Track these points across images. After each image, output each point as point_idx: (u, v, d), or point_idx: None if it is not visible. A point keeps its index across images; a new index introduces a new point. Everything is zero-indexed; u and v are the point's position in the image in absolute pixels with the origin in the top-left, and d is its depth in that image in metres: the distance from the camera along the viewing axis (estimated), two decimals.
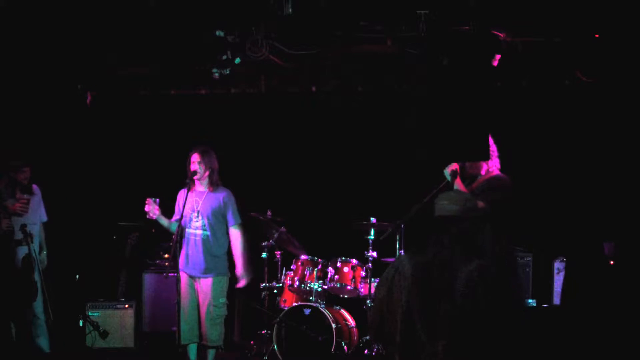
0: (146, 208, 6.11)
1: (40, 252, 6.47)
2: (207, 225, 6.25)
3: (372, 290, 6.85)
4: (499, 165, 5.75)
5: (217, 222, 6.28)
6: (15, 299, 6.11)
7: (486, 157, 5.66)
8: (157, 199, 6.14)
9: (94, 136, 7.98)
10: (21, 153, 6.43)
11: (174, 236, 6.13)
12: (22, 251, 6.10)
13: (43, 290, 6.14)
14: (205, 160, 6.25)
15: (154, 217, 6.14)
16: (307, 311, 6.67)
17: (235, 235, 6.31)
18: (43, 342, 6.40)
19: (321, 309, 6.62)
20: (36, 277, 6.14)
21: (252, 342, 7.17)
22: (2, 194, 6.26)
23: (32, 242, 6.05)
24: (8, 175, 6.30)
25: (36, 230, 6.52)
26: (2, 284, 6.04)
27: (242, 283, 6.33)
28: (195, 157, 6.24)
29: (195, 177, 6.23)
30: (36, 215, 6.51)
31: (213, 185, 6.31)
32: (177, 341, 6.11)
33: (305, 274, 6.94)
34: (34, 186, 6.46)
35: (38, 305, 6.26)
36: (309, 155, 8.08)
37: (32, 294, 6.14)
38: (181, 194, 6.31)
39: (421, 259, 3.35)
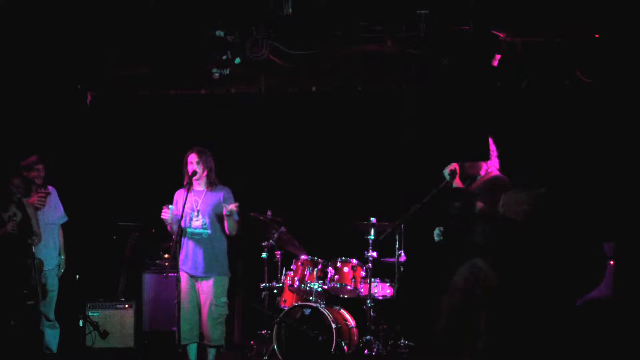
0: (163, 216, 6.17)
1: (58, 256, 6.51)
2: (207, 224, 6.26)
3: (372, 290, 6.86)
4: (498, 166, 5.76)
5: (218, 221, 6.29)
6: (18, 297, 6.11)
7: (486, 157, 5.67)
8: (172, 206, 6.19)
9: (94, 136, 7.98)
10: (35, 151, 6.43)
11: (174, 236, 6.15)
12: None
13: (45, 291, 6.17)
14: (203, 160, 6.27)
15: (170, 221, 6.19)
16: (307, 311, 6.67)
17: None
18: (52, 343, 6.42)
19: (321, 309, 6.62)
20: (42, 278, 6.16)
21: (252, 342, 7.17)
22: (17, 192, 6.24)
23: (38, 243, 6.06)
24: (21, 174, 6.27)
25: (55, 231, 6.52)
26: (5, 283, 6.04)
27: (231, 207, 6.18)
28: (192, 158, 6.26)
29: (194, 177, 6.24)
30: (54, 215, 6.51)
31: (211, 184, 6.33)
32: (177, 341, 6.12)
33: (305, 274, 6.94)
34: (50, 187, 6.45)
35: (46, 305, 6.29)
36: (308, 155, 8.08)
37: (36, 293, 6.14)
38: (180, 194, 6.31)
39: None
